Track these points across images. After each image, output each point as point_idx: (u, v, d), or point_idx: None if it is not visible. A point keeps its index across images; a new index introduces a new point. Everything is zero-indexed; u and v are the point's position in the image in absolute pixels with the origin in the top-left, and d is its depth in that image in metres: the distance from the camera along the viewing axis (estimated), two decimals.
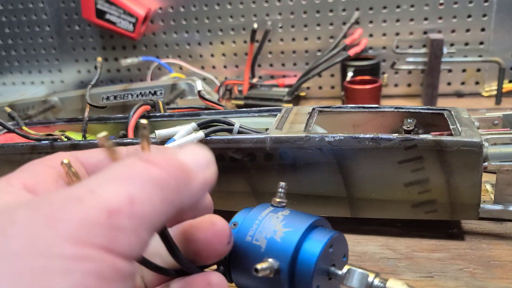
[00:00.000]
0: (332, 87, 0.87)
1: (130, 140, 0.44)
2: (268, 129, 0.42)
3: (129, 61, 0.84)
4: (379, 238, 0.40)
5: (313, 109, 0.45)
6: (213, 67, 0.91)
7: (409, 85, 0.84)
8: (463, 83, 0.82)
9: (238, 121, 0.43)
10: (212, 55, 0.90)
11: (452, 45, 0.79)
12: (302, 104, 0.85)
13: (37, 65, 0.98)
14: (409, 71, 0.83)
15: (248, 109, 0.47)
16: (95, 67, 0.49)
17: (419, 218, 0.39)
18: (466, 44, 0.79)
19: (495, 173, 0.39)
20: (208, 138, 0.40)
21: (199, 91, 0.56)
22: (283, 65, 0.88)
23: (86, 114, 0.47)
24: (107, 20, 0.85)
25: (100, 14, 0.85)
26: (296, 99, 0.84)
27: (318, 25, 0.83)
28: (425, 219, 0.39)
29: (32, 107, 0.74)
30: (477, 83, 0.81)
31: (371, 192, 0.39)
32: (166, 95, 0.67)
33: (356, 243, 0.40)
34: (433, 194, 0.38)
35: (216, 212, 0.28)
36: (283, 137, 0.39)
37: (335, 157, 0.38)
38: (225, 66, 0.90)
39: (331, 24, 0.83)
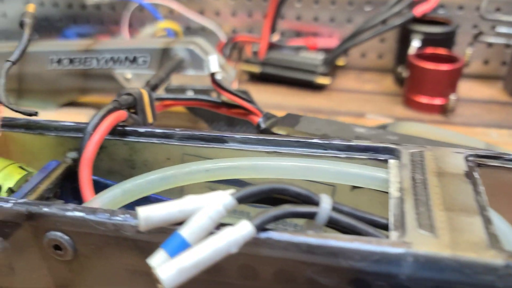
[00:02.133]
0: (380, 57, 0.64)
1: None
2: (391, 222, 0.19)
3: None
4: None
5: (467, 158, 0.22)
6: (217, 13, 0.65)
7: (486, 62, 0.61)
8: None
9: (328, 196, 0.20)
10: None
11: None
12: (339, 78, 0.62)
13: None
14: (490, 44, 0.60)
15: (299, 140, 0.23)
16: None
17: None
18: None
19: None
20: (263, 236, 0.18)
21: (212, 74, 0.32)
22: (315, 19, 0.63)
23: None
24: None
25: None
26: (331, 71, 0.60)
27: None
28: None
29: None
30: None
31: None
32: (153, 64, 0.42)
33: None
34: None
35: None
36: (446, 259, 0.17)
37: None
38: (233, 13, 0.65)
39: None
